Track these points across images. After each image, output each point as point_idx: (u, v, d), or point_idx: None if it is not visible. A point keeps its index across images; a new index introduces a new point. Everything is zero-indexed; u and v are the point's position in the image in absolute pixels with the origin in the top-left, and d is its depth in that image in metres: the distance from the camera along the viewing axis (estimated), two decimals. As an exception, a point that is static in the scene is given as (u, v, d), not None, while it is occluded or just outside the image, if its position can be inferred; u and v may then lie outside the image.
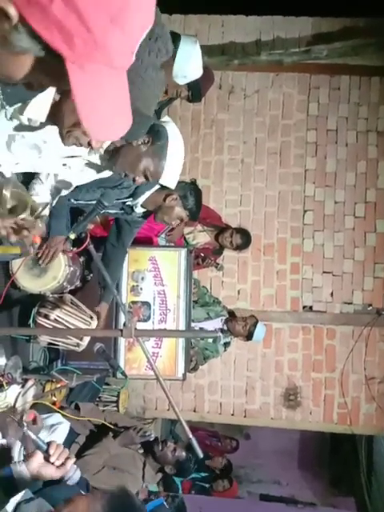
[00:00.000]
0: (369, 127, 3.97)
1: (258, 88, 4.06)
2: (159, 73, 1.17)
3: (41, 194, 2.02)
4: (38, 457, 1.41)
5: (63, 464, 1.42)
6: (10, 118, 1.29)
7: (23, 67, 0.64)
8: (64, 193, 2.16)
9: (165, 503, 2.75)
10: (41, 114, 1.20)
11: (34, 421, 2.14)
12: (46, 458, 1.42)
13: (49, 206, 2.06)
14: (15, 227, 1.46)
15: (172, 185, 2.03)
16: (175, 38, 2.03)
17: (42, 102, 1.17)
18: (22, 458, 2.00)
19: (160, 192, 2.28)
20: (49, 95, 1.17)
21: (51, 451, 1.42)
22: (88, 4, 0.57)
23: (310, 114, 4.02)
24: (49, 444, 1.45)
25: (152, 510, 2.63)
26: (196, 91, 2.71)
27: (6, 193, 1.41)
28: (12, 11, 0.56)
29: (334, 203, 3.97)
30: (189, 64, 2.16)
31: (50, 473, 1.41)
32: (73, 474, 1.50)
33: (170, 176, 1.99)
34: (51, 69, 0.63)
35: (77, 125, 1.23)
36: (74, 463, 1.52)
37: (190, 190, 2.33)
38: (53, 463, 1.42)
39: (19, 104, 1.17)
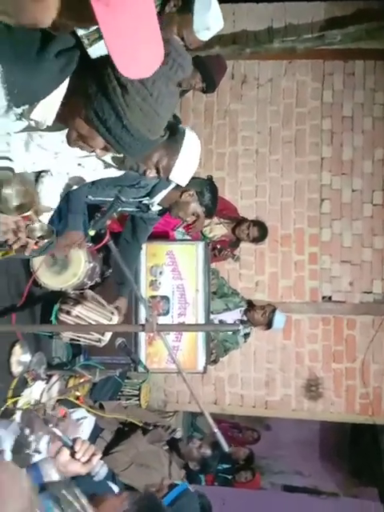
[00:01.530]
0: (385, 113, 3.89)
1: (271, 76, 4.00)
2: (170, 89, 1.09)
3: (49, 187, 2.00)
4: (65, 453, 1.43)
5: (89, 460, 1.43)
6: (20, 119, 1.28)
7: (48, 9, 0.63)
8: (75, 187, 2.16)
9: (190, 488, 2.73)
10: (48, 116, 1.19)
11: (64, 417, 2.16)
12: (72, 454, 1.42)
13: (53, 210, 2.05)
14: (15, 228, 1.46)
15: (183, 182, 2.00)
16: None
17: (49, 105, 1.15)
18: (47, 453, 2.03)
19: (176, 190, 2.27)
20: (57, 98, 1.15)
21: (77, 447, 1.43)
22: None
23: (325, 101, 3.95)
24: (74, 440, 1.46)
25: (177, 496, 2.61)
26: (210, 81, 2.68)
27: (10, 191, 1.40)
28: None
29: (351, 191, 3.91)
30: (209, 13, 2.06)
31: (76, 469, 1.43)
32: (99, 469, 1.51)
33: (182, 173, 1.95)
34: (76, 6, 0.62)
35: (79, 137, 1.21)
36: (102, 459, 1.53)
37: (206, 185, 2.32)
38: (79, 459, 1.42)
39: (27, 106, 1.16)
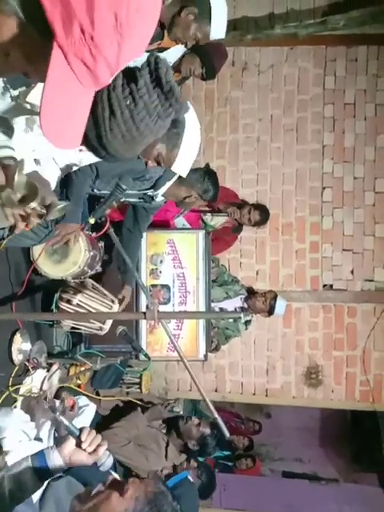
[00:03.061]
0: (388, 99, 3.85)
1: (272, 63, 3.95)
2: (159, 124, 1.04)
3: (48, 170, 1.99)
4: (70, 443, 1.42)
5: (95, 450, 1.43)
6: (16, 101, 1.26)
7: (5, 30, 0.59)
8: (74, 168, 2.14)
9: (190, 477, 2.76)
10: None
11: (73, 407, 2.16)
12: (78, 444, 1.42)
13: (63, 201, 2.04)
14: (24, 214, 1.45)
15: (184, 173, 2.00)
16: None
17: None
18: (52, 442, 2.04)
19: (179, 185, 2.27)
20: None
21: (83, 437, 1.42)
22: None
23: (327, 87, 3.91)
24: (81, 430, 1.46)
25: (176, 484, 2.63)
26: (210, 68, 2.65)
27: (20, 179, 1.38)
28: None
29: (353, 179, 3.88)
30: (225, 21, 2.08)
31: (82, 459, 1.42)
32: (105, 460, 1.51)
33: (183, 164, 1.94)
34: (33, 45, 0.59)
35: None
36: (102, 435, 1.53)
37: (208, 185, 2.33)
38: (85, 449, 1.42)
39: (23, 87, 1.15)
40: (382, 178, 3.86)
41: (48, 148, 1.76)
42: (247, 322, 3.51)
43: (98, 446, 1.43)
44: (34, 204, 1.35)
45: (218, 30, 2.07)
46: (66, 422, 1.46)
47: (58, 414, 1.60)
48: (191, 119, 1.91)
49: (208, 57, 2.58)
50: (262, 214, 3.59)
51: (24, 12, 0.57)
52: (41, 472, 1.36)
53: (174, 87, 0.99)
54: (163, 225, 3.13)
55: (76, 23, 0.55)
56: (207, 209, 3.42)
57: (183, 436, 2.84)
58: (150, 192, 2.31)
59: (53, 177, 1.79)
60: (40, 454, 1.39)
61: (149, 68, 0.98)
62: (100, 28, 0.56)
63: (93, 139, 1.06)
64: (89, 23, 0.55)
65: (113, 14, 0.56)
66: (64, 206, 1.43)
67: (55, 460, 1.38)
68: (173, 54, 2.42)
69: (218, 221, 3.53)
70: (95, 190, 2.26)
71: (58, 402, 2.20)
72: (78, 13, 0.54)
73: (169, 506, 1.09)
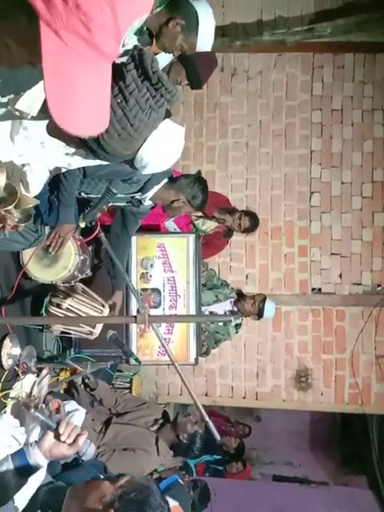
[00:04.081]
0: (374, 106, 3.92)
1: (260, 69, 4.00)
2: (153, 116, 1.03)
3: (33, 179, 1.99)
4: (49, 437, 1.42)
5: (75, 441, 1.42)
6: (5, 107, 1.27)
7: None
8: (63, 170, 2.15)
9: (180, 480, 2.75)
10: (33, 107, 1.17)
11: (58, 410, 2.15)
12: (57, 437, 1.42)
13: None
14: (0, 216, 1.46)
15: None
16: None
17: (35, 96, 1.13)
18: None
19: (168, 189, 2.27)
20: (42, 89, 1.14)
21: (61, 430, 1.42)
22: None
23: (315, 93, 3.97)
24: (58, 423, 1.45)
25: (166, 487, 2.62)
26: (195, 80, 2.67)
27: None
28: None
29: (340, 184, 3.94)
30: (211, 34, 2.11)
31: (63, 451, 1.42)
32: (86, 449, 1.50)
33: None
34: (25, 32, 0.54)
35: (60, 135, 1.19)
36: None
37: (197, 191, 2.32)
38: (64, 441, 1.41)
39: (12, 95, 1.14)
40: (369, 182, 3.92)
41: (35, 153, 1.76)
42: (237, 326, 3.53)
43: (78, 436, 1.42)
44: (9, 207, 1.37)
45: (204, 42, 2.09)
46: (41, 416, 1.46)
47: (32, 410, 1.59)
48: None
49: (194, 68, 2.59)
50: (252, 220, 3.61)
51: (6, 1, 0.54)
52: (22, 470, 1.35)
53: (161, 77, 0.98)
54: (154, 229, 3.14)
55: None
56: (200, 215, 3.44)
57: (178, 428, 2.83)
58: (137, 195, 2.31)
59: (41, 178, 1.79)
60: (20, 453, 1.39)
61: (134, 62, 0.97)
62: None
63: (90, 142, 1.06)
64: None
65: None
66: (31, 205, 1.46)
67: (36, 456, 1.38)
68: (162, 60, 2.45)
69: (209, 226, 3.54)
70: (82, 194, 2.26)
71: (43, 406, 2.19)
72: None
73: (155, 498, 1.11)
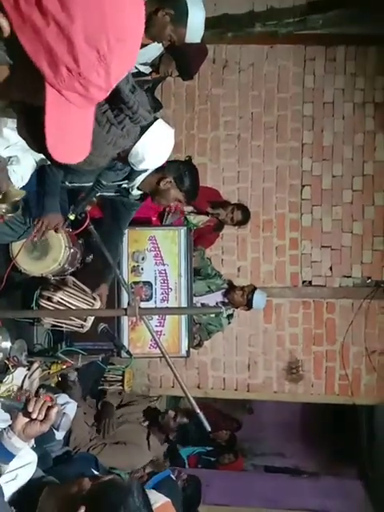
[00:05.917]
0: (366, 99, 3.92)
1: (252, 61, 3.98)
2: (127, 128, 1.06)
3: (19, 171, 1.97)
4: (20, 418, 1.39)
5: (46, 416, 1.39)
6: None
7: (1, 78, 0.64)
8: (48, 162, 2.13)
9: (172, 475, 2.77)
10: None
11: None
12: (28, 416, 1.38)
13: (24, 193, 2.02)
14: None
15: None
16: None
17: None
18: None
19: (154, 175, 2.25)
20: None
21: (30, 408, 1.38)
22: (82, 38, 0.58)
23: (306, 86, 3.96)
24: (26, 401, 1.41)
25: (159, 482, 2.64)
26: (185, 72, 2.65)
27: None
28: (5, 24, 0.58)
29: (331, 177, 3.94)
30: (202, 26, 2.10)
31: (37, 429, 1.39)
32: (60, 421, 1.47)
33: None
34: (27, 84, 0.64)
35: None
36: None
37: (185, 171, 2.29)
38: (36, 419, 1.38)
39: None
40: (360, 176, 3.93)
41: (21, 145, 1.75)
42: (230, 316, 3.53)
43: (49, 409, 1.39)
44: None
45: (193, 33, 2.08)
46: (4, 400, 1.43)
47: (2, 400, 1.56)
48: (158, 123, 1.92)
49: (184, 60, 2.57)
50: (244, 213, 3.62)
51: (13, 60, 0.62)
52: (2, 457, 1.34)
53: (134, 105, 0.94)
54: (145, 222, 3.13)
55: (61, 64, 0.60)
56: (193, 210, 3.43)
57: (164, 429, 2.87)
58: (124, 184, 2.29)
59: (28, 169, 1.78)
60: None
61: (107, 103, 0.96)
62: (84, 64, 0.60)
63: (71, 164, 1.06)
64: (73, 62, 0.60)
65: (94, 50, 0.60)
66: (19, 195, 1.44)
67: (12, 440, 1.36)
68: (151, 50, 2.42)
69: (200, 219, 3.54)
70: (67, 183, 2.23)
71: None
72: (61, 55, 0.59)
73: (135, 500, 1.11)
